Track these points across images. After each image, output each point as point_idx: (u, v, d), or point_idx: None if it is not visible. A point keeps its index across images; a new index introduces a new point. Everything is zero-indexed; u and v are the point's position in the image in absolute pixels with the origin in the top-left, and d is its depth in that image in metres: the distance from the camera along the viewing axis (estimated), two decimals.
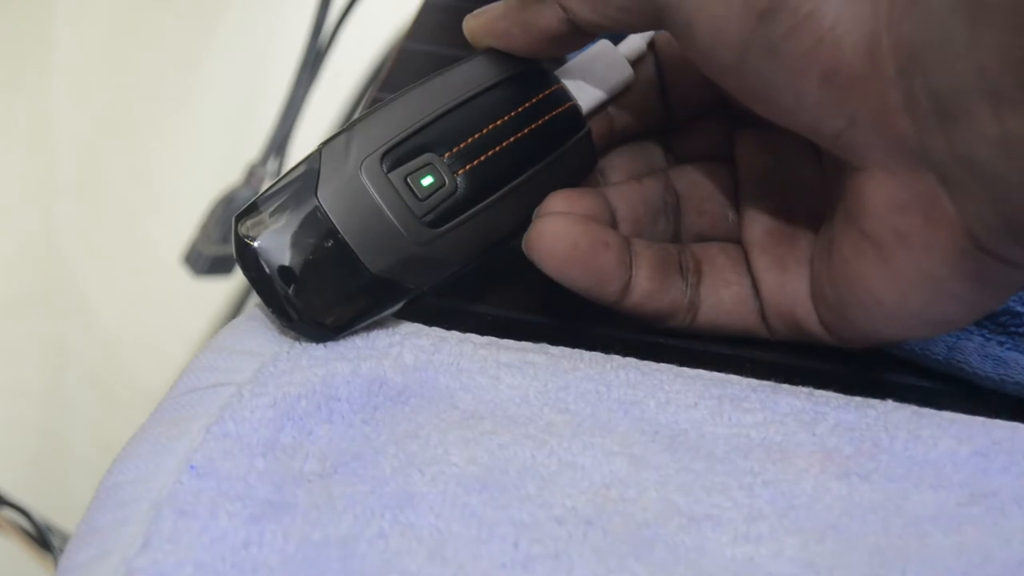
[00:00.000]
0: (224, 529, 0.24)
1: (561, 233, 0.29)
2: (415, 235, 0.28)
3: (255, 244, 0.28)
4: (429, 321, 0.30)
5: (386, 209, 0.28)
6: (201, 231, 0.74)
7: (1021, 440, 0.27)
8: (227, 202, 0.73)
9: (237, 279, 0.81)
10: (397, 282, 0.28)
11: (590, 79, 0.32)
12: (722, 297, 0.31)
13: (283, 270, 0.28)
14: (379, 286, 0.28)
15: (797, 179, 0.31)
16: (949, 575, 0.24)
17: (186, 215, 0.77)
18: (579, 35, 0.30)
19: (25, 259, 0.94)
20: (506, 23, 0.30)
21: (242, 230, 0.28)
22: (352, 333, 0.29)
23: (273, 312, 0.28)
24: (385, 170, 0.29)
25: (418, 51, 0.44)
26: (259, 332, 0.29)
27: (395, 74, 0.43)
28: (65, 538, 0.57)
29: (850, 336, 0.29)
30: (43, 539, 0.57)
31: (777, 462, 0.26)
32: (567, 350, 0.29)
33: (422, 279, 0.29)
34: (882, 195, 0.26)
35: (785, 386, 0.28)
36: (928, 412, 0.28)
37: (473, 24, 0.31)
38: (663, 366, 0.29)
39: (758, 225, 0.31)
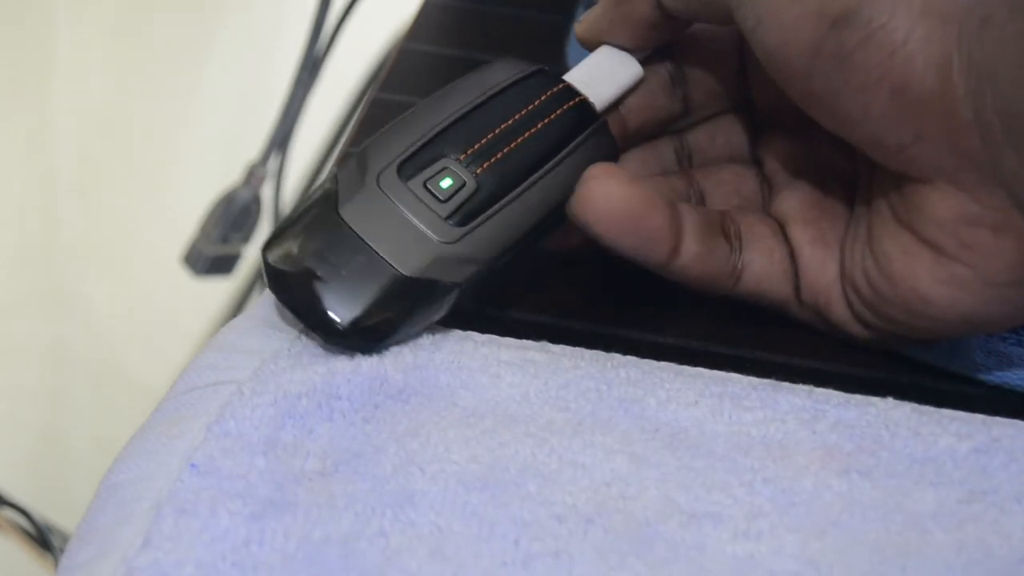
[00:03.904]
0: (225, 528, 0.24)
1: (614, 193, 0.27)
2: (443, 235, 0.28)
3: (286, 269, 0.28)
4: None
5: (409, 214, 0.28)
6: (201, 231, 0.74)
7: (1021, 437, 0.27)
8: (227, 202, 0.73)
9: (237, 279, 0.81)
10: (434, 281, 0.28)
11: (599, 78, 0.32)
12: (765, 265, 0.30)
13: (320, 289, 0.28)
14: (416, 287, 0.28)
15: (829, 168, 0.31)
16: (949, 572, 0.24)
17: (186, 215, 0.77)
18: (673, 21, 0.30)
19: (25, 259, 0.94)
20: (607, 20, 0.31)
21: (271, 259, 0.28)
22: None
23: (317, 330, 0.28)
24: (403, 180, 0.29)
25: (418, 51, 0.44)
26: (259, 330, 0.29)
27: (395, 74, 0.43)
28: (65, 538, 0.57)
29: (880, 329, 0.29)
30: (43, 539, 0.57)
31: (777, 460, 0.26)
32: (568, 348, 0.29)
33: (457, 273, 0.29)
34: (948, 207, 0.26)
35: (785, 384, 0.28)
36: (928, 409, 0.28)
37: (580, 28, 0.32)
38: (663, 364, 0.29)
39: (796, 200, 0.31)
